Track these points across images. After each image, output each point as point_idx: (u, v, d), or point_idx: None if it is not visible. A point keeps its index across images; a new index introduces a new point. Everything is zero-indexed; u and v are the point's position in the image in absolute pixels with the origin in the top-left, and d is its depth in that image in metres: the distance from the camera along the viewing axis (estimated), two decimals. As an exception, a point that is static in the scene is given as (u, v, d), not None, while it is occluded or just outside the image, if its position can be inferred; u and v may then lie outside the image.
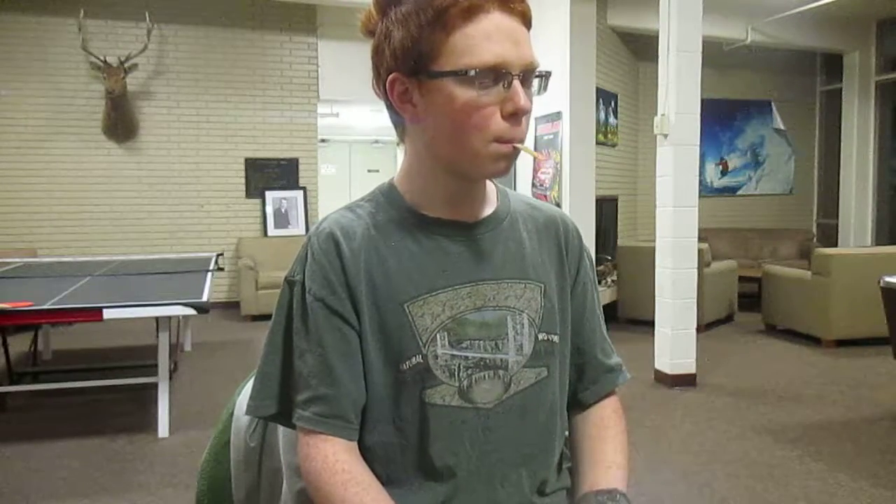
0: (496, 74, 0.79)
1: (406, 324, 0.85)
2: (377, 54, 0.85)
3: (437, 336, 0.86)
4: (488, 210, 0.93)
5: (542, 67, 0.84)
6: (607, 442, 0.96)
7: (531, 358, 0.90)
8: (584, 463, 0.95)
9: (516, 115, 0.80)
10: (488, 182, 0.94)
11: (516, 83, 0.79)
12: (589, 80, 5.17)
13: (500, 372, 0.88)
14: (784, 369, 4.48)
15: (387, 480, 0.86)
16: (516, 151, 0.83)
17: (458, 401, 0.86)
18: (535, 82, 0.84)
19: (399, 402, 0.86)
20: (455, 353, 0.86)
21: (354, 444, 0.86)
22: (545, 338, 0.91)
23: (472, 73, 0.78)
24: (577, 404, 1.00)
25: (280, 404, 0.88)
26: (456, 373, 0.86)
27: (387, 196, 0.92)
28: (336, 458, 0.83)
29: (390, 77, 0.84)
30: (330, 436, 0.84)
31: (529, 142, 5.94)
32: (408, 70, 0.82)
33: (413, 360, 0.85)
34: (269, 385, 0.88)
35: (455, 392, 0.86)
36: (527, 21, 0.82)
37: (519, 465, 0.90)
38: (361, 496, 0.81)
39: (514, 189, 1.07)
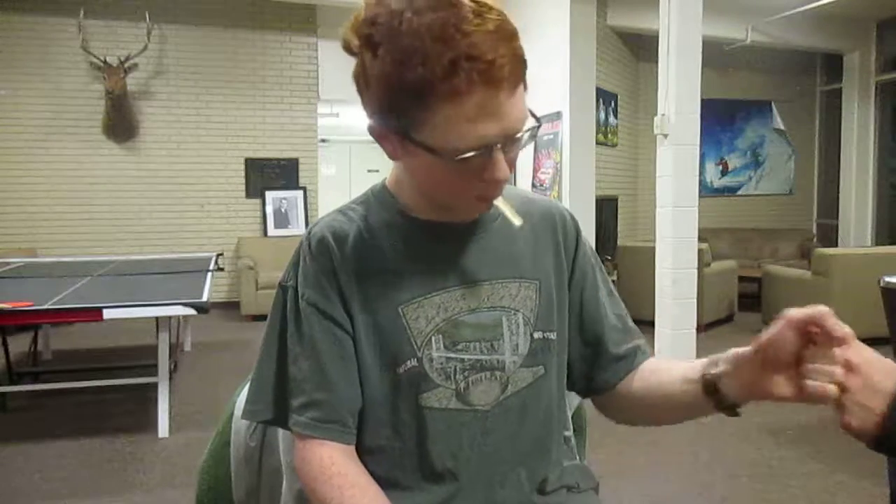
0: (477, 151, 0.74)
1: (400, 327, 0.85)
2: (358, 85, 0.78)
3: (432, 339, 0.85)
4: None
5: (531, 122, 0.78)
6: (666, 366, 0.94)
7: (528, 357, 0.89)
8: (663, 383, 0.91)
9: (496, 182, 0.78)
10: None
11: (497, 154, 0.75)
12: (589, 80, 5.17)
13: (497, 373, 0.87)
14: (784, 369, 4.47)
15: (386, 483, 0.86)
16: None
17: (455, 403, 0.86)
18: (526, 135, 0.79)
19: (396, 405, 0.86)
20: (451, 355, 0.86)
21: (351, 448, 0.86)
22: (541, 336, 0.91)
23: (450, 156, 0.74)
24: (600, 389, 0.98)
25: (275, 409, 0.88)
26: (452, 375, 0.86)
27: (378, 198, 0.91)
28: (332, 462, 0.83)
29: (370, 121, 0.80)
30: (326, 440, 0.84)
31: (529, 144, 5.98)
32: (387, 126, 0.78)
33: (408, 363, 0.85)
34: (265, 390, 0.88)
35: (452, 394, 0.86)
36: (517, 79, 0.74)
37: (518, 464, 0.90)
38: (358, 499, 0.81)
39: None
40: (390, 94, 0.73)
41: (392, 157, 0.83)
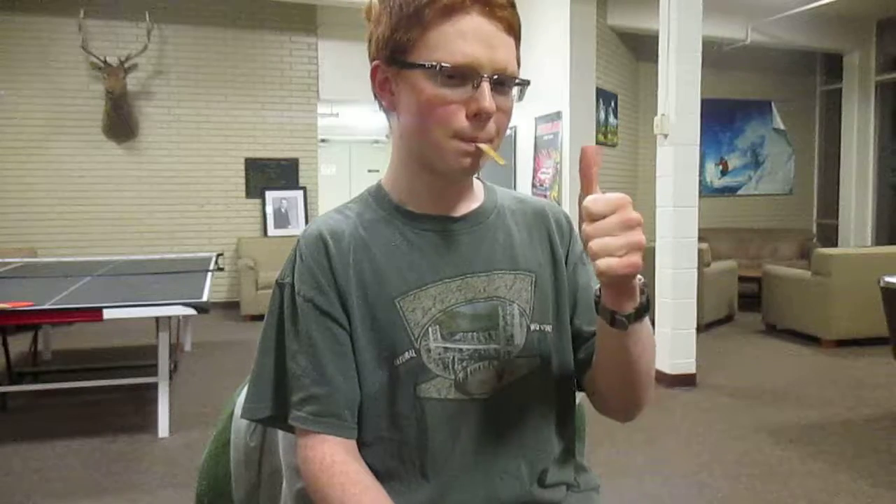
0: (464, 73, 0.79)
1: (398, 319, 0.86)
2: (369, 42, 0.88)
3: (429, 330, 0.86)
4: (474, 205, 0.93)
5: (526, 76, 0.85)
6: None
7: (523, 349, 0.90)
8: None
9: (480, 116, 0.81)
10: (474, 178, 0.95)
11: (484, 85, 0.80)
12: (589, 80, 5.17)
13: (494, 362, 0.88)
14: (784, 369, 4.48)
15: (386, 475, 0.87)
16: (480, 151, 0.82)
17: (454, 393, 0.86)
18: (515, 90, 0.84)
19: (395, 398, 0.86)
20: (448, 345, 0.86)
21: (352, 443, 0.86)
22: (537, 328, 0.91)
23: (439, 67, 0.79)
24: (583, 369, 0.96)
25: (275, 406, 0.88)
26: (450, 365, 0.86)
27: (374, 196, 0.93)
28: (333, 460, 0.83)
29: (373, 64, 0.86)
30: (326, 435, 0.84)
31: (529, 142, 5.93)
32: (387, 59, 0.84)
33: (406, 354, 0.85)
34: (263, 388, 0.88)
35: (451, 385, 0.86)
36: (511, 29, 0.82)
37: (517, 456, 0.90)
38: (359, 497, 0.81)
39: (515, 188, 1.06)
40: (394, 20, 0.81)
41: (389, 107, 0.87)
